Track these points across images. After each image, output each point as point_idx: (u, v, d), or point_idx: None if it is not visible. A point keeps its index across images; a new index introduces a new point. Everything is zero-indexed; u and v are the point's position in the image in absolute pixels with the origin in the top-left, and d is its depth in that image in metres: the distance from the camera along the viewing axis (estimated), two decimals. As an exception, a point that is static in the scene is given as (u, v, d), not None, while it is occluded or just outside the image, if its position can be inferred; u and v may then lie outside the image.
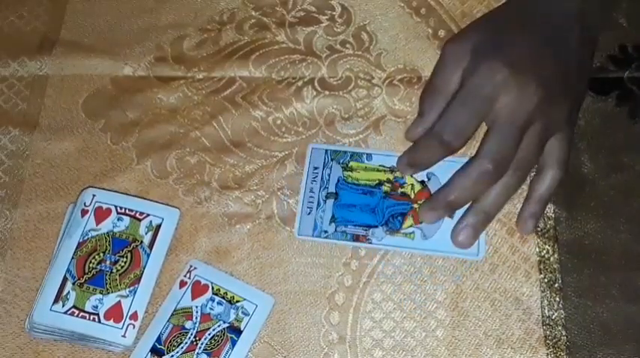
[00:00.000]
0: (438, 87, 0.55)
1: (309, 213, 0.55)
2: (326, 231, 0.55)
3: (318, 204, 0.55)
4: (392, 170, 0.56)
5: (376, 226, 0.54)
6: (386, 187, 0.56)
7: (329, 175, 0.56)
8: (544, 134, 0.52)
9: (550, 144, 0.53)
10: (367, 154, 0.57)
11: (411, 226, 0.55)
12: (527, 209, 0.54)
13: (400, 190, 0.56)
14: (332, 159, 0.57)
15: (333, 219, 0.55)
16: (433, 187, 0.55)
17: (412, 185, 0.56)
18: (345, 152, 0.57)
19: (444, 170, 0.54)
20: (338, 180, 0.56)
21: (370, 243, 0.54)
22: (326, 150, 0.57)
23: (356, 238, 0.54)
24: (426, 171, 0.56)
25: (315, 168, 0.56)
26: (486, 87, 0.52)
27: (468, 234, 0.53)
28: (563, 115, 0.53)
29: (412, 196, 0.55)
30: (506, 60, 0.52)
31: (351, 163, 0.57)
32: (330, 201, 0.55)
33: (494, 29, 0.55)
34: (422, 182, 0.56)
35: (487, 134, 0.52)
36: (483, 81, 0.52)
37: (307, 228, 0.55)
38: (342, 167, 0.57)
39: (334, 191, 0.56)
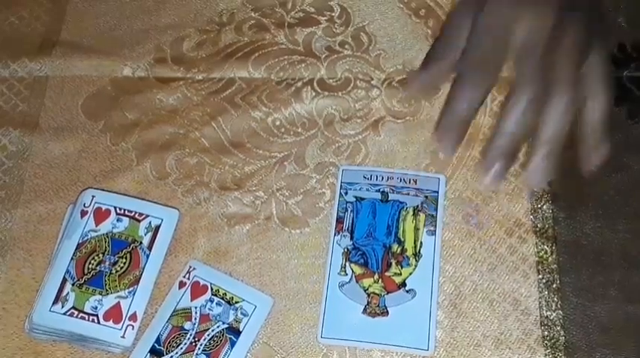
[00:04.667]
0: (448, 37, 0.51)
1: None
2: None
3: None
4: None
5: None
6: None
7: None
8: (576, 47, 0.48)
9: (586, 67, 0.49)
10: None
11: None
12: (585, 144, 0.48)
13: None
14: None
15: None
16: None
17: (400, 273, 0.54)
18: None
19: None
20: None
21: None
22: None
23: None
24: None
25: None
26: (499, 21, 0.49)
27: (542, 169, 0.47)
28: (588, 29, 0.48)
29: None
30: None
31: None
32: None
33: None
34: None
35: (515, 69, 0.48)
36: (494, 17, 0.49)
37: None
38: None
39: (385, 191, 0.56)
